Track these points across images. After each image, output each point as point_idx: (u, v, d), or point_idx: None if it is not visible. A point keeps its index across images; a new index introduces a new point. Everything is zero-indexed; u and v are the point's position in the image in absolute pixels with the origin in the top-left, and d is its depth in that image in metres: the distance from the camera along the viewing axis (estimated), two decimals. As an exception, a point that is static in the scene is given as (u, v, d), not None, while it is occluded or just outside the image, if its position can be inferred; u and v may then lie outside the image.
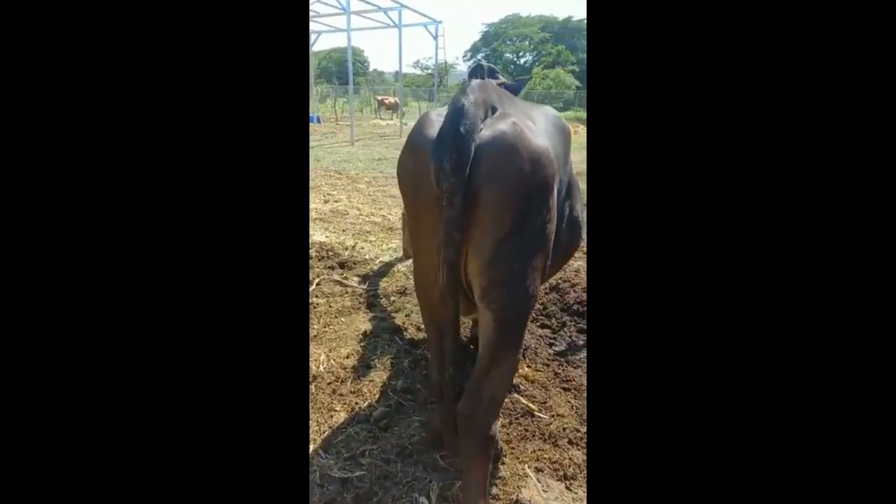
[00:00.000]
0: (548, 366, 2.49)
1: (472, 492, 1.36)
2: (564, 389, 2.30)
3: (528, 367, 2.47)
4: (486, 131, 1.16)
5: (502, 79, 2.74)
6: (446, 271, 1.19)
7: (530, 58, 44.22)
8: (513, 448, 1.88)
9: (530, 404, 2.13)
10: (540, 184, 1.18)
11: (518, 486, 1.68)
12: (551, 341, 2.76)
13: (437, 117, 1.26)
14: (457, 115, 1.15)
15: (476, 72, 2.60)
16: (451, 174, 1.11)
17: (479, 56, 48.04)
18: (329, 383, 2.24)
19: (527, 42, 44.76)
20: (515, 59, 44.87)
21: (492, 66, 2.71)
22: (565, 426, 2.02)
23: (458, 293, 1.23)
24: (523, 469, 1.77)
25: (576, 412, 2.13)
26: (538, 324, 2.91)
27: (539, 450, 1.88)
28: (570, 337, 2.82)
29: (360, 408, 2.09)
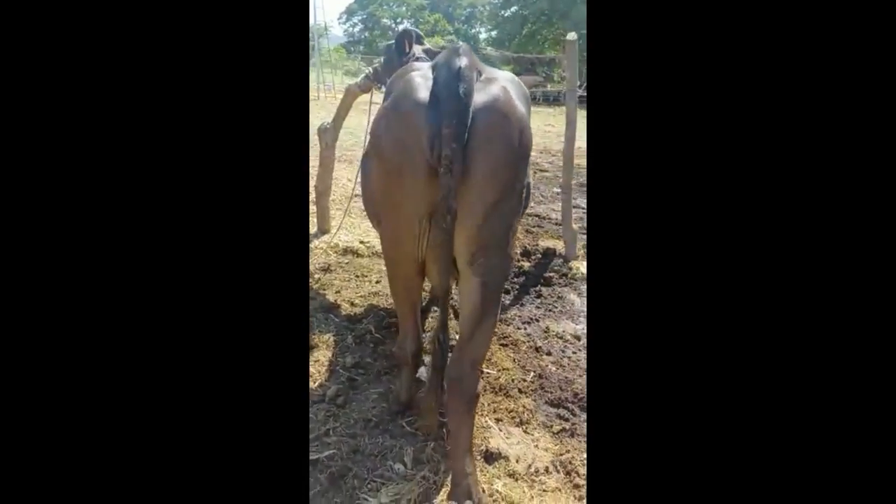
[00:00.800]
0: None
1: (460, 448, 1.43)
2: (503, 346, 2.47)
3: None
4: (479, 96, 1.16)
5: (427, 45, 2.71)
6: (443, 240, 1.20)
7: (408, 24, 43.46)
8: (470, 404, 1.99)
9: (478, 363, 2.26)
10: (525, 150, 1.23)
11: (485, 438, 1.80)
12: (482, 303, 2.92)
13: (424, 80, 1.23)
14: (455, 78, 1.13)
15: (404, 36, 2.54)
16: (452, 140, 1.10)
17: (356, 19, 45.93)
18: (270, 369, 2.12)
19: (404, 8, 43.85)
20: (393, 25, 43.76)
21: (417, 31, 2.66)
22: (512, 378, 2.18)
23: (451, 262, 1.25)
24: (485, 421, 1.89)
25: (517, 364, 2.31)
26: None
27: (494, 402, 2.02)
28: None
29: (311, 389, 2.02)
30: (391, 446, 1.73)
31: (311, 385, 2.04)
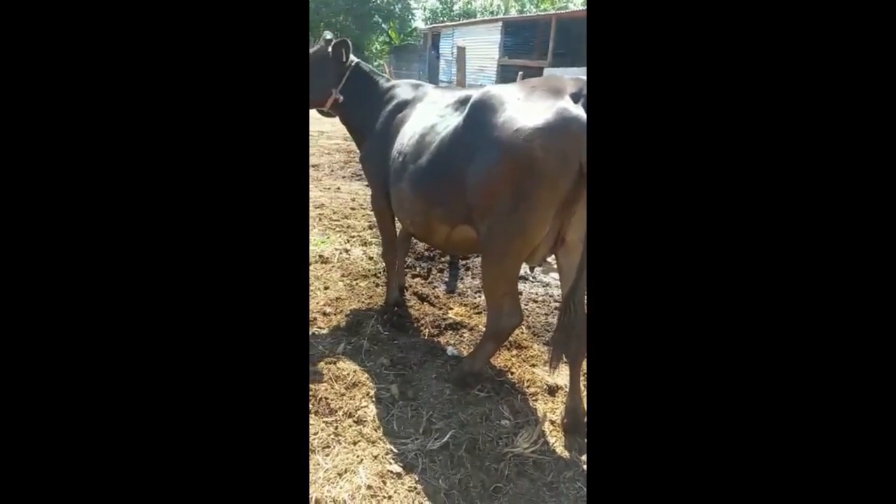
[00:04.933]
0: (450, 300, 2.96)
1: (579, 380, 1.87)
2: (477, 313, 2.87)
3: (452, 308, 2.89)
4: None
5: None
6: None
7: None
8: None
9: (464, 319, 2.62)
10: None
11: (542, 379, 2.23)
12: (433, 284, 3.20)
13: (573, 106, 1.54)
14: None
15: (342, 46, 2.56)
16: None
17: None
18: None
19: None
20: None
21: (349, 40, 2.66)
22: (519, 332, 2.62)
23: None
24: (527, 368, 2.31)
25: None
26: (410, 274, 3.26)
27: (519, 354, 2.44)
28: (440, 280, 3.33)
29: (373, 396, 2.04)
30: (485, 413, 1.99)
31: (366, 396, 2.06)
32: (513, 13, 27.33)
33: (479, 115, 1.72)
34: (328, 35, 2.59)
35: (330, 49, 2.53)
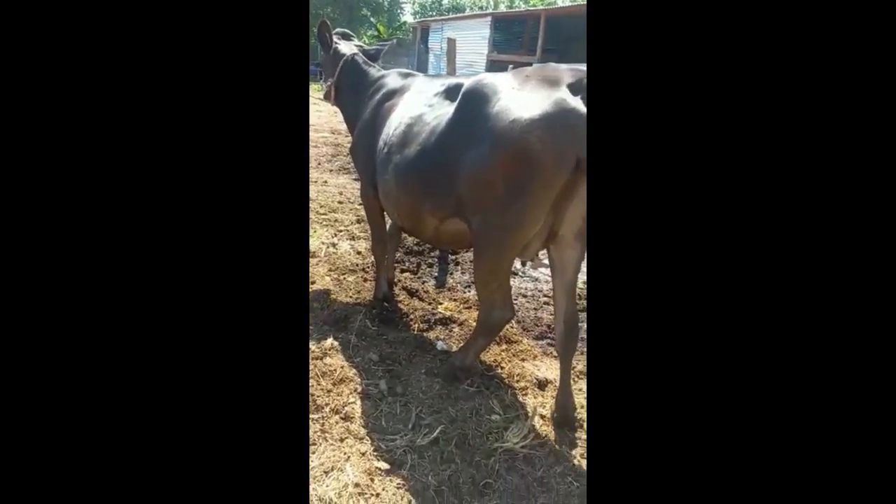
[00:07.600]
0: (439, 294, 2.93)
1: (569, 375, 1.86)
2: (467, 308, 2.84)
3: (442, 303, 2.85)
4: None
5: (357, 41, 2.69)
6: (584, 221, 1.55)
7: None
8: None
9: (454, 314, 2.59)
10: None
11: (531, 373, 2.20)
12: (423, 279, 3.17)
13: (570, 98, 1.49)
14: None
15: (322, 29, 2.51)
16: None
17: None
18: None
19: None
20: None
21: (346, 30, 2.62)
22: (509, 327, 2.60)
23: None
24: (516, 363, 2.29)
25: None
26: (399, 269, 3.21)
27: (509, 348, 2.42)
28: (430, 275, 3.30)
29: (363, 390, 2.00)
30: (475, 407, 1.96)
31: (354, 392, 2.02)
32: (502, 8, 27.29)
33: (472, 104, 1.67)
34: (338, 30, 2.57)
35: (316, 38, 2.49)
